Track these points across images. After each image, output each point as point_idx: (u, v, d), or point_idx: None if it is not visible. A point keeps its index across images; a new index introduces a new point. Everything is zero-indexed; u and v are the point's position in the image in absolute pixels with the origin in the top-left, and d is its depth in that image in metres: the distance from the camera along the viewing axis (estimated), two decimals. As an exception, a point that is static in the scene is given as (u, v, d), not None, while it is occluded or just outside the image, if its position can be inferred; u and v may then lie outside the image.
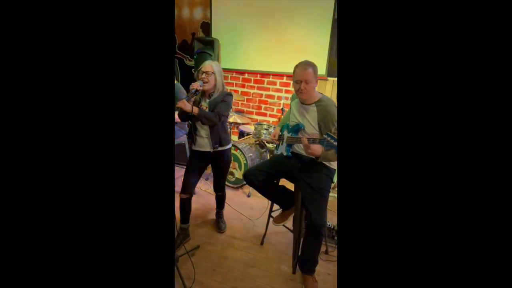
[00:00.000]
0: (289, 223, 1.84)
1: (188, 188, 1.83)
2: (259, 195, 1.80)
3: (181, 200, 1.84)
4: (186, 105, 1.59)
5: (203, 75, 1.70)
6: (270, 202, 1.91)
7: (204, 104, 1.77)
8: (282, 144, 1.73)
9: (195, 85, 1.63)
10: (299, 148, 1.66)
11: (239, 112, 3.61)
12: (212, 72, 1.70)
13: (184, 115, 1.69)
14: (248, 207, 2.41)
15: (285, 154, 1.69)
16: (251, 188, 2.65)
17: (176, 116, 1.80)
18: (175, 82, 2.19)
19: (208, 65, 1.72)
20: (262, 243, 1.94)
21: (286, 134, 1.70)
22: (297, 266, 1.66)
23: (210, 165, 1.97)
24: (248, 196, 2.59)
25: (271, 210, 1.91)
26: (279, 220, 1.83)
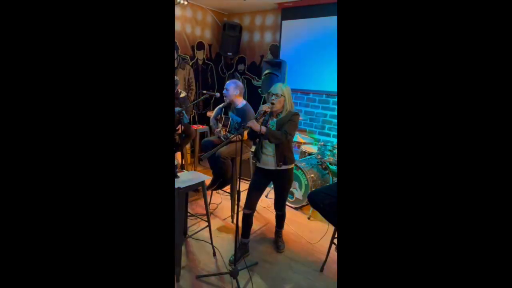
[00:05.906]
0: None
1: (251, 204, 1.88)
2: (319, 217, 1.74)
3: (244, 215, 1.90)
4: (255, 124, 1.69)
5: (273, 97, 1.78)
6: (333, 227, 1.83)
7: (272, 123, 1.83)
8: None
9: (265, 108, 1.72)
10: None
11: (302, 131, 3.61)
12: (282, 95, 1.78)
13: (253, 134, 1.78)
14: (307, 229, 2.34)
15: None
16: (311, 210, 2.60)
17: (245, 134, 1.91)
18: (245, 102, 2.31)
19: (278, 87, 1.81)
20: (322, 269, 1.85)
21: None
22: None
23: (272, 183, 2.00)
24: (308, 218, 2.52)
25: (334, 236, 1.82)
26: (342, 248, 1.73)
